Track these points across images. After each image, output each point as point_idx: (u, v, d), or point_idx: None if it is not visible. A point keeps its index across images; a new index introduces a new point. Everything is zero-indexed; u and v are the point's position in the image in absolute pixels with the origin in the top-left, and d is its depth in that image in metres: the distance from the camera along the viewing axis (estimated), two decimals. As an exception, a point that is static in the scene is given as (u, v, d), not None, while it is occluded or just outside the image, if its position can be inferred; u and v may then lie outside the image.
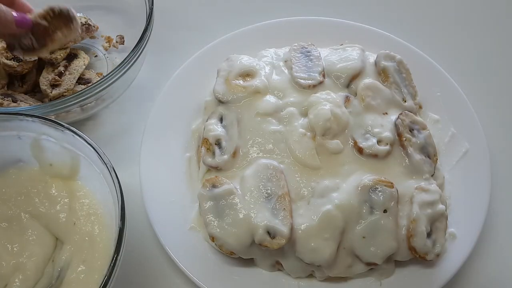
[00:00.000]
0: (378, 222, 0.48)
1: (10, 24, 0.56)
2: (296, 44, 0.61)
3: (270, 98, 0.55)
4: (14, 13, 0.57)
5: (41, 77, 0.62)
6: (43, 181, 0.52)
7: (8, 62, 0.61)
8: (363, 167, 0.52)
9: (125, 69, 0.57)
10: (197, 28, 0.75)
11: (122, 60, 0.57)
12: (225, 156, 0.52)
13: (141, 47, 0.59)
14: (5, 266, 0.47)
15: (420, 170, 0.52)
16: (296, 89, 0.57)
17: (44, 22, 0.54)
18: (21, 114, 0.50)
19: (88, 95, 0.56)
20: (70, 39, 0.59)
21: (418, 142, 0.53)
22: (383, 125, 0.54)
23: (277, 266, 0.51)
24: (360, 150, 0.52)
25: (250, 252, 0.50)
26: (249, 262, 0.52)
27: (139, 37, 0.58)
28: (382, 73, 0.58)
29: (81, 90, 0.55)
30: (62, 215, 0.50)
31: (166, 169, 0.57)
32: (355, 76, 0.57)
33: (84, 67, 0.64)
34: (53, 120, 0.49)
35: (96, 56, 0.69)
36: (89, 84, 0.60)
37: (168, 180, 0.57)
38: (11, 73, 0.62)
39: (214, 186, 0.50)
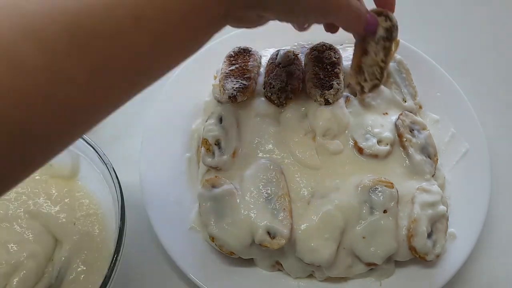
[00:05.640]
0: (378, 222, 0.48)
1: (358, 23, 0.45)
2: (296, 44, 0.61)
3: (270, 98, 0.55)
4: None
5: (41, 77, 0.62)
6: (43, 181, 0.52)
7: None
8: (363, 168, 0.52)
9: (125, 69, 0.57)
10: (197, 28, 0.74)
11: (122, 60, 0.57)
12: (225, 157, 0.52)
13: (141, 47, 0.58)
14: (5, 265, 0.47)
15: (421, 170, 0.52)
16: (296, 89, 0.57)
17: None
18: (21, 114, 0.49)
19: (88, 95, 0.55)
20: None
21: (419, 142, 0.53)
22: (383, 125, 0.53)
23: (277, 266, 0.51)
24: (360, 151, 0.52)
25: (250, 252, 0.50)
26: (249, 262, 0.52)
27: (139, 37, 0.58)
28: (382, 73, 0.58)
29: (81, 90, 0.55)
30: (62, 215, 0.50)
31: (166, 169, 0.57)
32: (355, 76, 0.57)
33: (84, 67, 0.64)
34: (53, 120, 0.49)
35: (96, 56, 0.69)
36: (89, 84, 0.60)
37: (168, 180, 0.57)
38: None
39: (214, 186, 0.50)
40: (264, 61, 0.59)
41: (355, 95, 0.56)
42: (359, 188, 0.49)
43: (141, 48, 0.30)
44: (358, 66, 0.51)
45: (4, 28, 0.24)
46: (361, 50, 0.50)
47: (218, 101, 0.56)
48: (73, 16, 0.26)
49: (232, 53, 0.58)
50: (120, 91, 0.32)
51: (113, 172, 0.48)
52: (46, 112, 0.26)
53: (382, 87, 0.56)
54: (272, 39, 0.64)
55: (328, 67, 0.54)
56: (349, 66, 0.53)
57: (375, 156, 0.52)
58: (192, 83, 0.63)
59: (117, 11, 0.28)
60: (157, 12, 0.30)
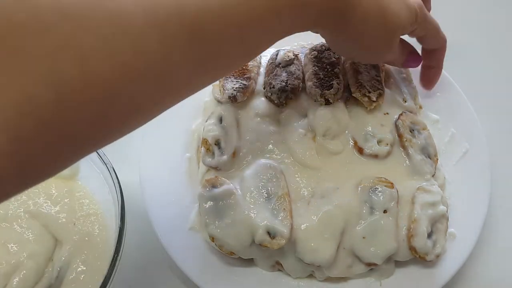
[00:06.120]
0: (378, 222, 0.48)
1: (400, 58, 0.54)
2: (296, 44, 0.61)
3: (270, 98, 0.55)
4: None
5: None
6: (43, 181, 0.52)
7: None
8: (363, 168, 0.52)
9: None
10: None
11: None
12: (225, 157, 0.52)
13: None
14: (5, 265, 0.48)
15: (421, 170, 0.52)
16: (296, 89, 0.57)
17: None
18: (21, 114, 0.49)
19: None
20: None
21: (419, 142, 0.53)
22: (383, 125, 0.54)
23: (277, 266, 0.51)
24: (360, 151, 0.52)
25: (250, 252, 0.50)
26: (249, 262, 0.52)
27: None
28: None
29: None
30: (62, 215, 0.50)
31: (166, 169, 0.57)
32: (356, 76, 0.57)
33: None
34: (53, 120, 0.49)
35: (96, 56, 0.69)
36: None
37: (168, 180, 0.57)
38: None
39: (214, 186, 0.50)
40: (264, 61, 0.59)
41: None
42: (359, 188, 0.49)
43: (241, 51, 0.37)
44: (357, 82, 0.54)
45: (135, 18, 0.29)
46: (354, 71, 0.54)
47: (218, 101, 0.56)
48: (193, 18, 0.32)
49: None
50: (213, 79, 0.39)
51: (113, 172, 0.48)
52: (155, 88, 0.32)
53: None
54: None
55: (328, 67, 0.54)
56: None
57: (375, 156, 0.52)
58: (192, 83, 0.63)
59: (225, 21, 0.34)
60: (257, 25, 0.36)
